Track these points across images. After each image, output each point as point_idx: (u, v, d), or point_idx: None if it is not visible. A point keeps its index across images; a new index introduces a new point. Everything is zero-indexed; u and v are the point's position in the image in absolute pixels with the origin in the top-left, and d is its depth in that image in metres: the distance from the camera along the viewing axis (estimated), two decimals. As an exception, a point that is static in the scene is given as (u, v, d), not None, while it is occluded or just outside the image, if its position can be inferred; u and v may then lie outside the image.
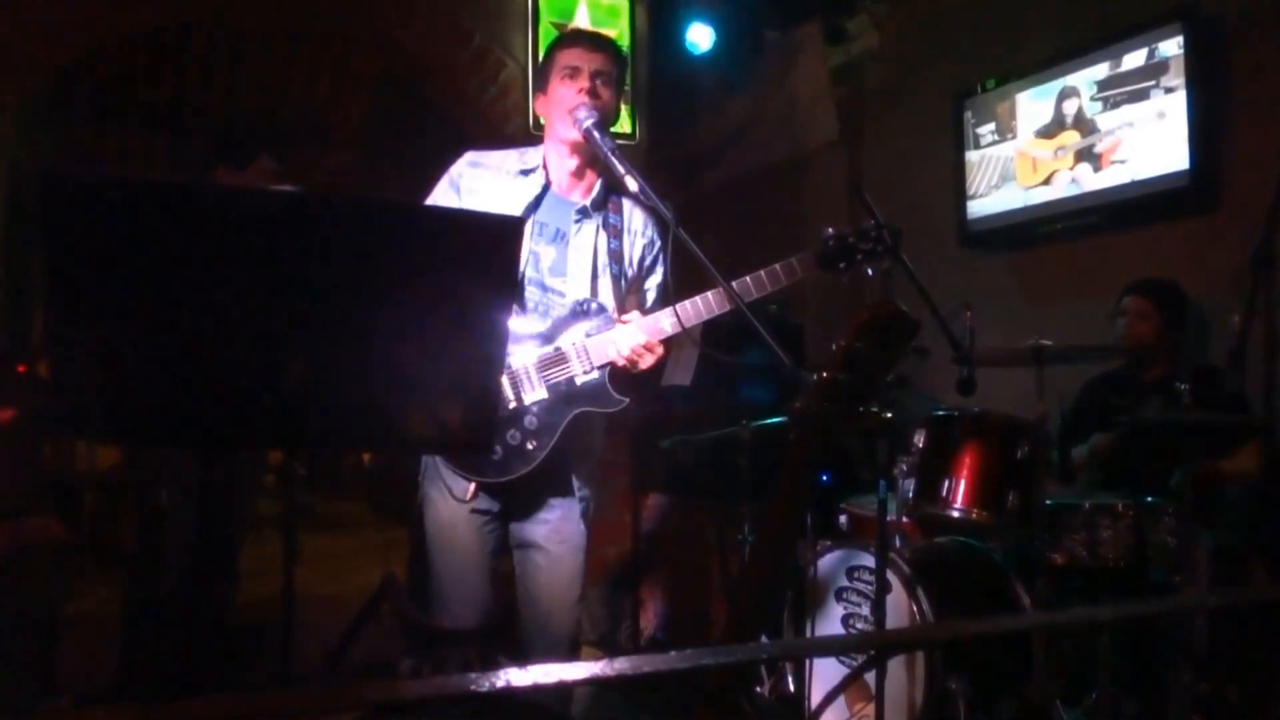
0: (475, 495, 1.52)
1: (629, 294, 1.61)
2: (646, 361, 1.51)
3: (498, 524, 1.56)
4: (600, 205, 1.60)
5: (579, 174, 1.59)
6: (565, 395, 1.51)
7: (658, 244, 1.63)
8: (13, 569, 2.05)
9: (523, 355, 1.51)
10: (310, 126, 4.91)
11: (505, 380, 1.49)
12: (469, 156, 1.61)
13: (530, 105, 2.92)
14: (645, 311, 1.59)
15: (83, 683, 2.34)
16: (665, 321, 1.50)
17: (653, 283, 1.65)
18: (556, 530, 1.57)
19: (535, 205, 1.57)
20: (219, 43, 4.04)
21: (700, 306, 1.49)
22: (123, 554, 3.70)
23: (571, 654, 1.60)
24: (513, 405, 1.49)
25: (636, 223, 1.62)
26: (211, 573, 2.19)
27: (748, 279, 1.49)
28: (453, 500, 1.53)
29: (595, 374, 1.51)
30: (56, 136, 4.68)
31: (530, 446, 1.48)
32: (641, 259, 1.63)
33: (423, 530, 1.59)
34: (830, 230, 1.51)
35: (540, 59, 1.66)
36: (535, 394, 1.50)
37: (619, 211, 1.61)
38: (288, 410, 0.99)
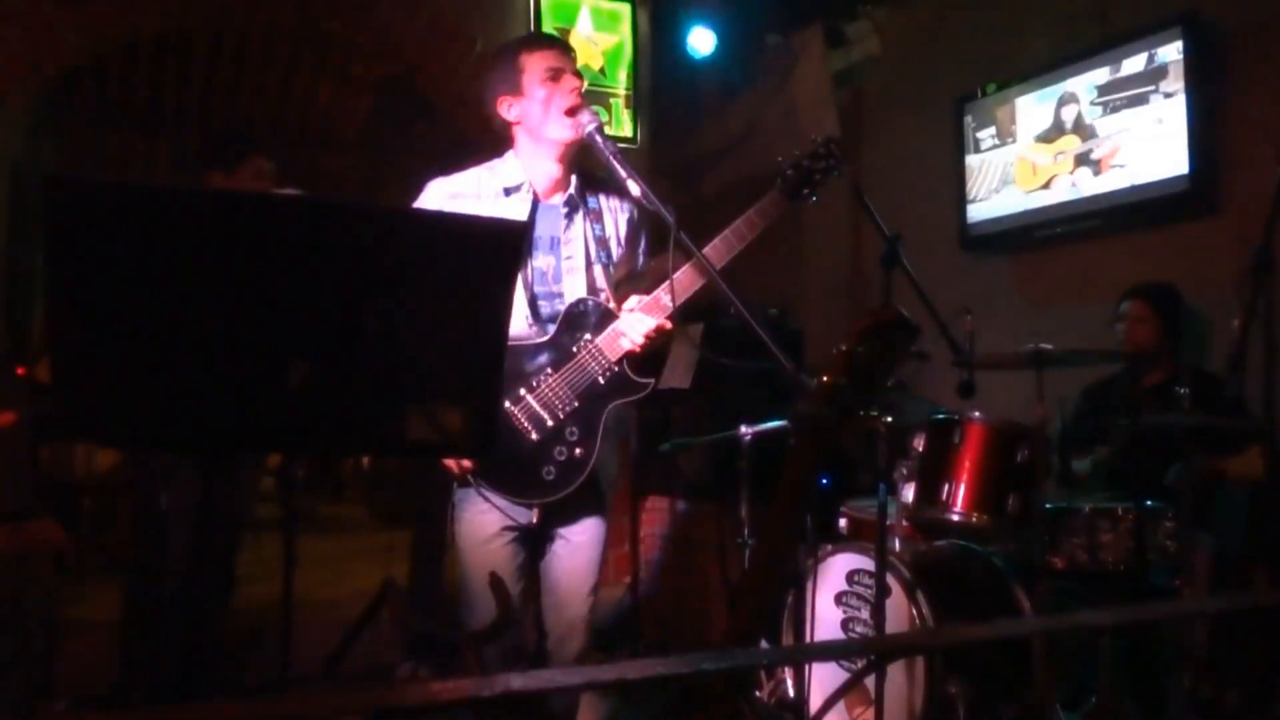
0: (542, 517, 1.54)
1: (620, 266, 1.63)
2: (661, 340, 1.53)
3: (527, 537, 1.58)
4: (580, 196, 1.61)
5: (561, 175, 1.60)
6: (594, 397, 1.53)
7: (635, 212, 1.65)
8: (12, 572, 2.05)
9: (543, 371, 1.52)
10: (312, 130, 4.92)
11: (537, 404, 1.50)
12: (440, 187, 1.57)
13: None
14: (641, 271, 1.61)
15: (80, 686, 2.34)
16: (664, 297, 1.51)
17: (643, 249, 1.68)
18: (578, 521, 1.60)
19: (531, 223, 1.57)
20: (222, 47, 4.05)
21: (694, 273, 1.50)
22: (121, 557, 3.70)
23: (586, 640, 1.61)
24: (551, 424, 1.50)
25: (612, 201, 1.65)
26: (210, 576, 2.19)
27: (727, 232, 1.50)
28: (491, 519, 1.53)
29: (614, 369, 1.53)
30: (59, 140, 4.69)
31: (579, 454, 1.51)
32: (627, 233, 1.65)
33: (437, 541, 1.60)
34: (782, 159, 1.53)
35: (497, 60, 1.62)
36: (568, 406, 1.52)
37: (595, 195, 1.63)
38: (288, 414, 0.99)
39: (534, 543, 1.59)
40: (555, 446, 1.50)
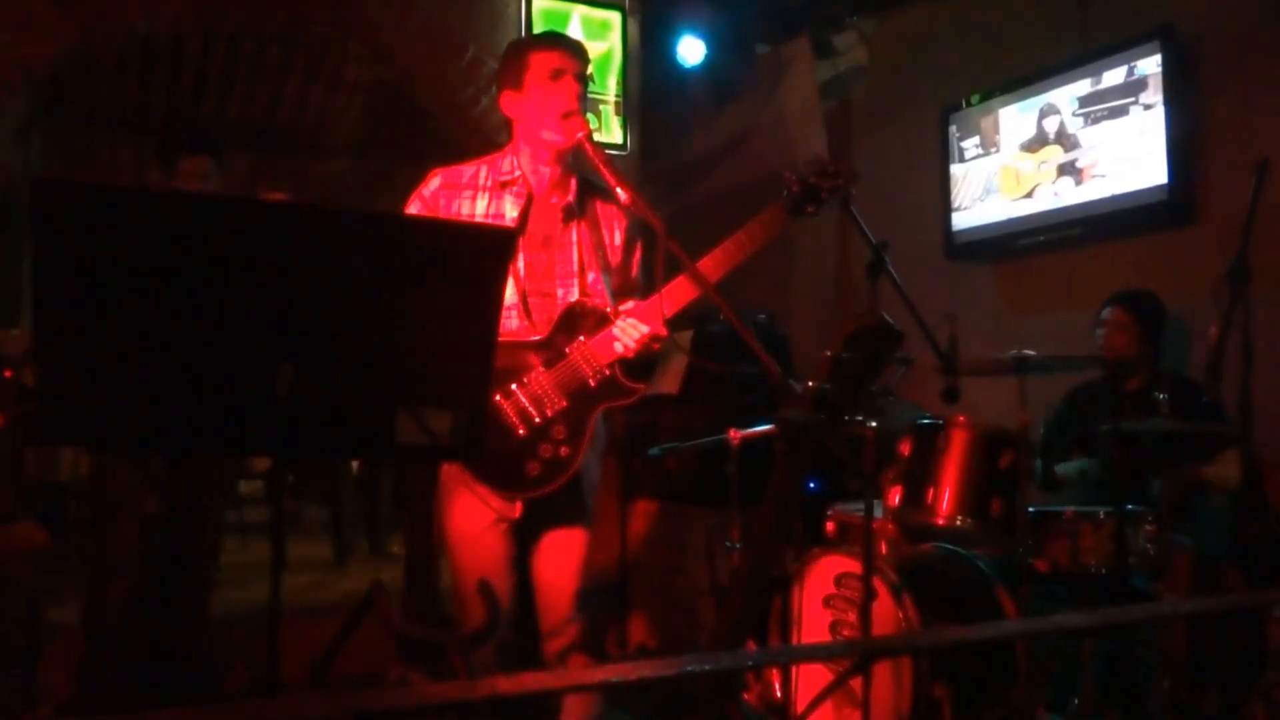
0: (523, 510, 1.54)
1: (616, 276, 1.64)
2: (653, 347, 1.53)
3: (516, 529, 1.59)
4: (579, 202, 1.62)
5: (559, 176, 1.60)
6: (583, 398, 1.53)
7: (633, 222, 1.67)
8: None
9: (534, 368, 1.53)
10: (303, 134, 4.91)
11: (526, 399, 1.51)
12: (440, 177, 1.60)
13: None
14: (635, 282, 1.61)
15: (61, 692, 2.31)
16: (659, 304, 1.52)
17: (637, 258, 1.69)
18: (562, 519, 1.60)
19: (524, 217, 1.58)
20: (212, 50, 4.04)
21: (689, 282, 1.50)
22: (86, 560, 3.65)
23: (573, 639, 1.61)
24: (538, 421, 1.51)
25: (610, 209, 1.66)
26: (179, 580, 2.16)
27: (726, 242, 1.50)
28: (481, 511, 1.54)
29: (605, 372, 1.54)
30: (48, 141, 4.66)
31: (564, 453, 1.51)
32: (623, 242, 1.66)
33: (428, 539, 1.60)
34: (790, 175, 1.52)
35: (508, 53, 1.63)
36: (556, 405, 1.52)
37: (594, 203, 1.64)
38: (278, 417, 1.00)
39: (522, 537, 1.59)
40: (541, 443, 1.51)
